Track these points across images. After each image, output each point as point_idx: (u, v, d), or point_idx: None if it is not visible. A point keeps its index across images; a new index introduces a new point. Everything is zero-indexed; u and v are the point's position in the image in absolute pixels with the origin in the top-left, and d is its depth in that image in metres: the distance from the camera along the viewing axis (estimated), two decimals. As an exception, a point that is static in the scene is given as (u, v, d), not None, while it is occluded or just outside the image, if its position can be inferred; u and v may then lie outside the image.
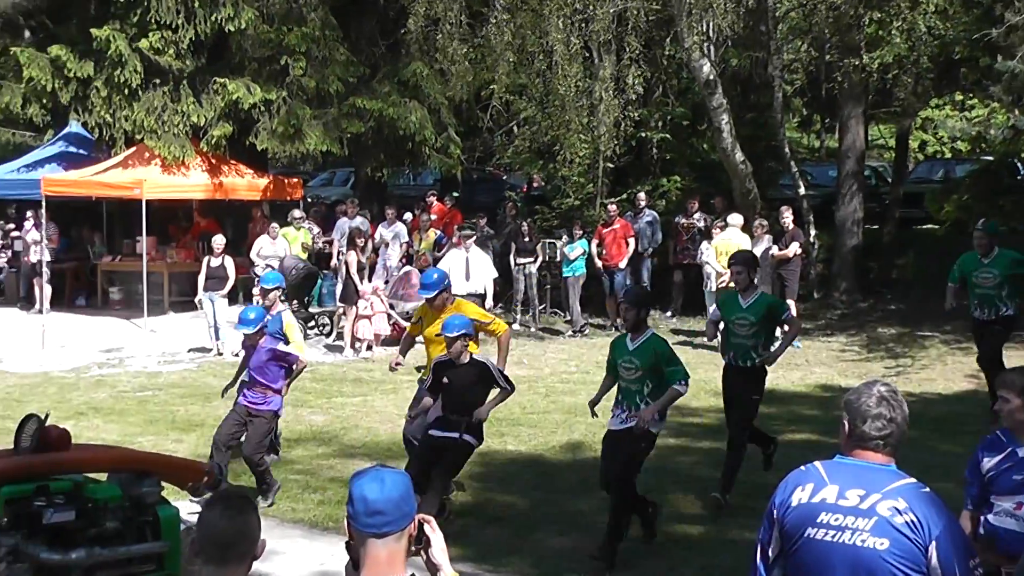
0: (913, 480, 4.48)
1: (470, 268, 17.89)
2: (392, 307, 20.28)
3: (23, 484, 7.52)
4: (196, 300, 20.78)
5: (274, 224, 22.57)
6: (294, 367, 11.68)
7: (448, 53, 23.85)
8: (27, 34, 27.02)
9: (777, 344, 11.44)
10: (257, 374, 11.49)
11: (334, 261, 22.64)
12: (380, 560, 3.71)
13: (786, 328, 11.66)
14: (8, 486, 7.42)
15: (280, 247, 22.00)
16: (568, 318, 22.26)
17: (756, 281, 11.33)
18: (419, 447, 10.52)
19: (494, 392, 10.46)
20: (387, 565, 3.71)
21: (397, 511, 3.72)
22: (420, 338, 11.75)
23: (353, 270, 20.43)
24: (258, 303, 13.28)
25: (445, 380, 10.34)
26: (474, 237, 18.56)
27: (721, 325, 11.39)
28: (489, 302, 18.53)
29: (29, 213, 24.98)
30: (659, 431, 10.04)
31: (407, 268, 21.10)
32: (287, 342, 11.76)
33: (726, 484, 10.89)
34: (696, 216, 22.70)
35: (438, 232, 22.83)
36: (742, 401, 11.12)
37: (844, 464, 4.58)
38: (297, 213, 23.20)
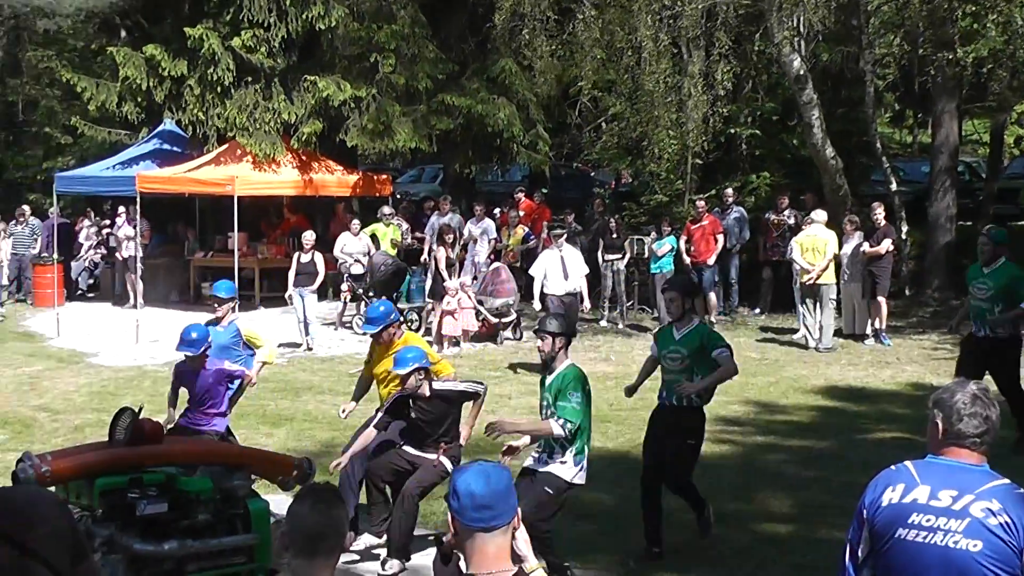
0: (1007, 481, 4.41)
1: (567, 267, 17.74)
2: (481, 303, 20.33)
3: (117, 476, 7.64)
4: (286, 296, 20.98)
5: (355, 220, 22.72)
6: (244, 383, 11.45)
7: (536, 49, 23.86)
8: (123, 34, 27.48)
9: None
10: (204, 398, 10.91)
11: (423, 257, 22.75)
12: (488, 554, 3.74)
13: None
14: (103, 478, 7.54)
15: (363, 243, 22.15)
16: (655, 315, 22.16)
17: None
18: (384, 459, 9.60)
19: (468, 407, 9.73)
20: (495, 559, 3.74)
21: (503, 504, 3.75)
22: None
23: (442, 266, 20.52)
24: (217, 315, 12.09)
25: (413, 415, 9.46)
26: (564, 235, 18.44)
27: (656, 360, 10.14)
28: (587, 303, 18.37)
29: (121, 209, 25.38)
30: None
31: (496, 264, 21.15)
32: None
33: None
34: (786, 212, 22.49)
35: (526, 228, 22.85)
36: (675, 448, 9.58)
37: (936, 464, 4.51)
38: (387, 209, 23.34)
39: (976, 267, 12.47)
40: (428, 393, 9.34)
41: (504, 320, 20.52)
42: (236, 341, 11.80)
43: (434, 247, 21.36)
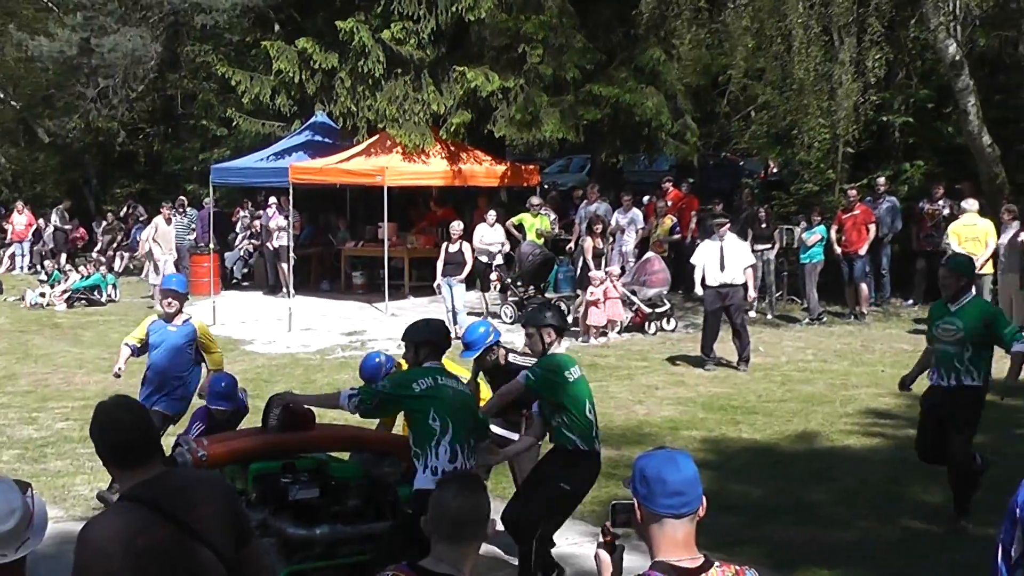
0: None
1: (724, 258, 17.51)
2: (634, 292, 20.24)
3: (270, 461, 7.83)
4: (435, 285, 21.19)
5: (492, 211, 22.81)
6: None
7: (684, 38, 23.68)
8: (276, 28, 28.00)
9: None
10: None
11: (569, 246, 22.76)
12: (677, 541, 3.75)
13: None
14: (256, 463, 7.73)
15: (499, 233, 22.26)
16: (805, 305, 21.87)
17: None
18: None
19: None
20: (684, 546, 3.75)
21: (693, 491, 3.76)
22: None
23: (589, 256, 20.52)
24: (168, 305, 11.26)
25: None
26: (727, 225, 18.12)
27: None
28: (752, 292, 18.13)
29: (272, 200, 25.87)
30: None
31: (649, 254, 21.02)
32: (208, 351, 11.20)
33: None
34: (940, 202, 22.00)
35: (674, 219, 22.72)
36: (956, 424, 9.73)
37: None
38: (535, 200, 23.40)
39: (940, 304, 10.13)
40: (503, 361, 9.51)
41: (657, 310, 20.42)
42: (190, 343, 11.08)
43: (582, 237, 21.36)
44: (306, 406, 8.34)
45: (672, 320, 20.68)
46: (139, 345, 11.17)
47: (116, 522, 4.29)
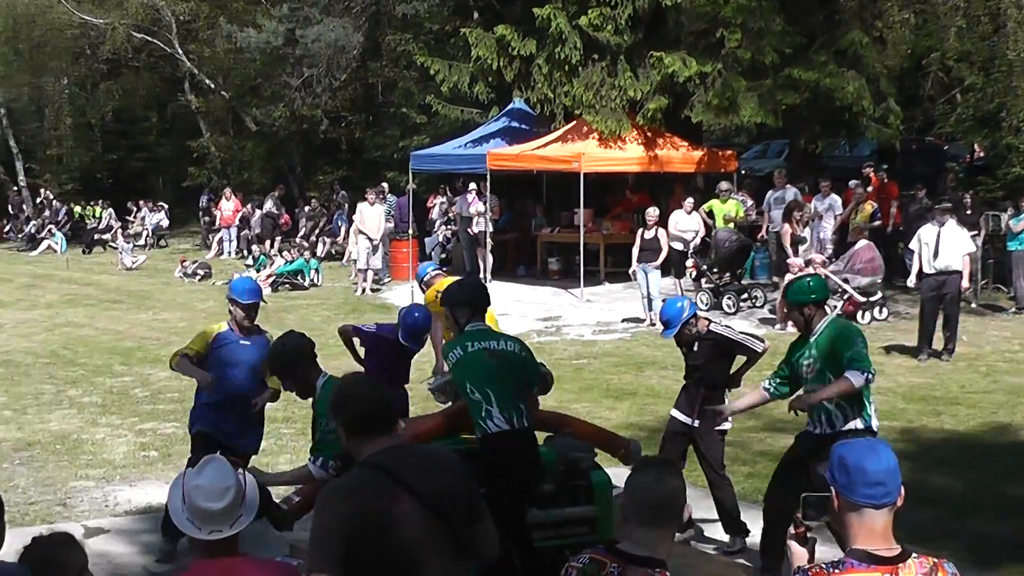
0: None
1: (940, 244, 16.92)
2: (847, 281, 19.81)
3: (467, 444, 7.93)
4: (630, 271, 21.19)
5: (689, 198, 22.65)
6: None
7: (887, 20, 23.16)
8: (475, 15, 28.30)
9: None
10: None
11: (761, 233, 22.49)
12: (876, 531, 3.73)
13: None
14: (452, 446, 7.85)
15: (695, 220, 22.10)
16: (1012, 294, 21.20)
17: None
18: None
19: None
20: (882, 536, 3.73)
21: (893, 482, 3.74)
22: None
23: (786, 242, 20.25)
24: None
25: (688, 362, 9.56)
26: (947, 209, 17.52)
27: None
28: (964, 282, 17.55)
29: (472, 186, 26.19)
30: None
31: (863, 242, 20.45)
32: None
33: None
34: None
35: (874, 205, 22.24)
36: None
37: None
38: (724, 185, 23.18)
39: (798, 338, 8.64)
40: (704, 329, 9.31)
41: (870, 299, 19.94)
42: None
43: (771, 223, 21.07)
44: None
45: (884, 309, 20.18)
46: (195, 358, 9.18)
47: (354, 485, 4.50)
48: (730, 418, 9.43)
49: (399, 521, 4.39)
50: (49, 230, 39.77)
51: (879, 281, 20.08)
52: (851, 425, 8.12)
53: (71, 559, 4.84)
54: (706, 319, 9.59)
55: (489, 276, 23.98)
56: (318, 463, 6.99)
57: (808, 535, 3.95)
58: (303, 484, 7.18)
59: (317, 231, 32.29)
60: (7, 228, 43.85)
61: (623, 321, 20.88)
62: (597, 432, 8.85)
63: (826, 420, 8.26)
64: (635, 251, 20.62)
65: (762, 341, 9.66)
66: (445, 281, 12.27)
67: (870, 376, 8.01)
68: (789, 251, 20.06)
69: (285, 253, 28.68)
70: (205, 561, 4.15)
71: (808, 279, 8.75)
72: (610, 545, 4.12)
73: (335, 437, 6.47)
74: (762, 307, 21.06)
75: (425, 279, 13.15)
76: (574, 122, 24.43)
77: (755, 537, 9.11)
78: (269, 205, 33.47)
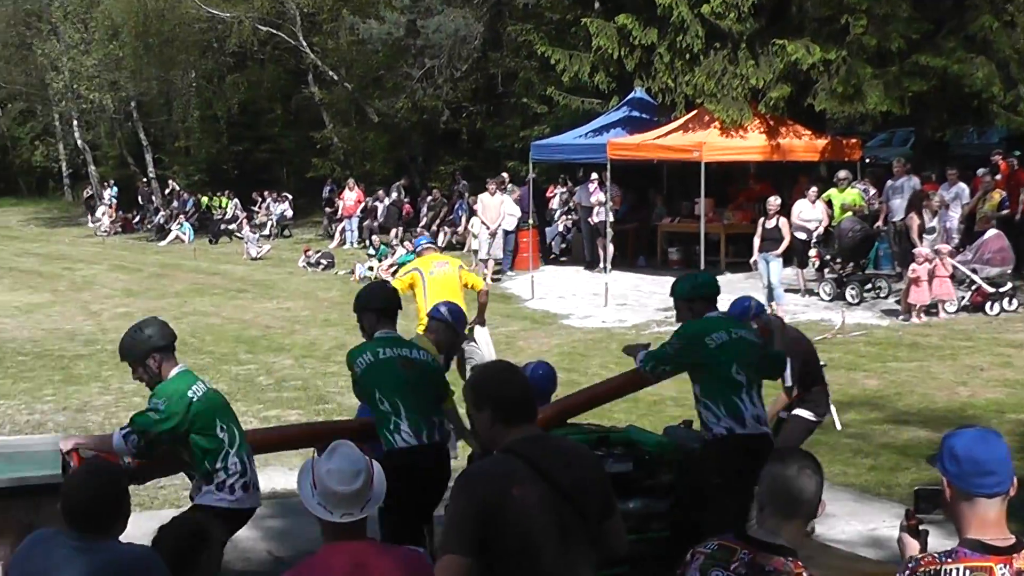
0: None
1: None
2: (975, 271, 19.40)
3: (583, 434, 7.95)
4: (751, 261, 21.00)
5: (813, 188, 22.33)
6: None
7: (1020, 3, 22.61)
8: (596, 5, 28.23)
9: None
10: None
11: (878, 223, 22.11)
12: (988, 520, 3.70)
13: None
14: (572, 436, 7.86)
15: (819, 210, 21.78)
16: None
17: None
18: None
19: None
20: (995, 525, 3.71)
21: (1005, 470, 3.72)
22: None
23: (915, 233, 19.88)
24: None
25: None
26: None
27: None
28: None
29: (594, 176, 26.15)
30: None
31: (993, 231, 20.02)
32: None
33: None
34: None
35: (1003, 193, 21.73)
36: None
37: None
38: (842, 174, 22.78)
39: None
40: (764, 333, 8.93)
41: (999, 290, 19.46)
42: None
43: (892, 212, 20.69)
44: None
45: (1014, 300, 19.67)
46: None
47: (495, 470, 4.56)
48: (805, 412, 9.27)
49: (537, 508, 4.44)
50: (177, 220, 40.60)
51: (1009, 271, 19.62)
52: (715, 431, 7.54)
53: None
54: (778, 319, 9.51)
55: (609, 266, 23.94)
56: (123, 433, 6.82)
57: (920, 527, 3.94)
58: (102, 451, 6.91)
59: (438, 221, 32.50)
60: (136, 219, 44.86)
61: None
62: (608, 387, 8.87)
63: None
64: (756, 241, 20.43)
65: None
66: (433, 256, 12.91)
67: (644, 368, 7.91)
68: (916, 241, 19.69)
69: (407, 243, 28.91)
70: (335, 544, 4.23)
71: (689, 278, 8.61)
72: (739, 532, 4.11)
73: (155, 417, 6.72)
74: (886, 298, 20.69)
75: (418, 249, 13.69)
76: (695, 111, 24.27)
77: (873, 530, 8.99)
78: (395, 195, 33.80)
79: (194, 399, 6.85)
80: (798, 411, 9.35)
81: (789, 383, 9.19)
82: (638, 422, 10.73)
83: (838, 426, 12.02)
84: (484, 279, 24.83)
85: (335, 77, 40.92)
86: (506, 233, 26.27)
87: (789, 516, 4.09)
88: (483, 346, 12.80)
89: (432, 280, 12.49)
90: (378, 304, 7.97)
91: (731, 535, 4.11)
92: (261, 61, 45.82)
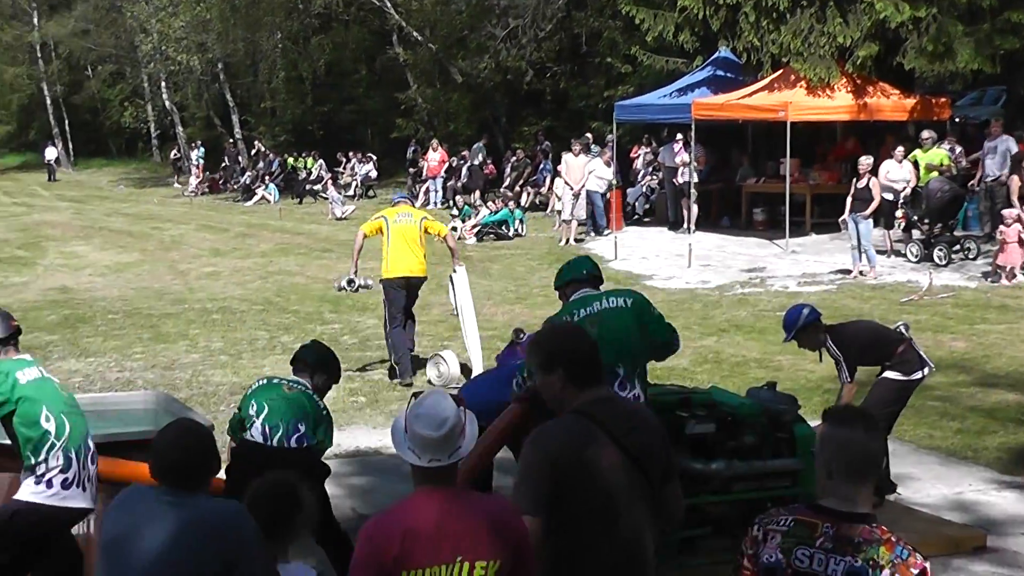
0: None
1: None
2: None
3: (669, 395, 7.94)
4: (840, 221, 20.78)
5: (899, 147, 21.97)
6: None
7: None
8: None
9: None
10: None
11: (972, 182, 21.75)
12: None
13: None
14: (654, 396, 7.85)
15: (906, 170, 21.45)
16: None
17: None
18: None
19: None
20: None
21: None
22: None
23: (1014, 195, 19.54)
24: None
25: None
26: None
27: None
28: None
29: (679, 136, 26.00)
30: None
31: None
32: None
33: None
34: None
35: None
36: None
37: None
38: (926, 134, 22.39)
39: None
40: (824, 339, 9.07)
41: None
42: None
43: (987, 173, 20.32)
44: None
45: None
46: None
47: (565, 431, 4.60)
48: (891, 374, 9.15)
49: (605, 468, 4.50)
50: (263, 181, 40.99)
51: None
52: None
53: (297, 506, 5.04)
54: (825, 332, 9.21)
55: (693, 227, 23.81)
56: None
57: None
58: None
59: (521, 181, 32.50)
60: (222, 180, 45.35)
61: (830, 273, 20.50)
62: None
63: None
64: (848, 201, 20.15)
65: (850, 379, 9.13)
66: (402, 208, 14.20)
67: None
68: (1016, 203, 19.32)
69: (490, 203, 28.94)
70: (425, 488, 4.29)
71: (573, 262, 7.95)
72: (812, 504, 4.05)
73: None
74: (975, 259, 20.37)
75: (394, 201, 14.84)
76: (781, 70, 23.99)
77: (959, 493, 8.90)
78: (480, 156, 33.83)
79: (21, 381, 6.64)
80: (885, 374, 9.24)
81: (847, 380, 9.04)
82: (721, 383, 10.69)
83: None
84: (566, 241, 24.93)
85: (419, 38, 40.95)
86: (593, 194, 26.16)
87: (862, 480, 4.01)
88: (459, 290, 13.73)
89: (395, 228, 13.76)
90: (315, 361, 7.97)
91: (804, 507, 4.06)
92: (346, 22, 45.96)
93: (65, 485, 6.58)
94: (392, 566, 4.14)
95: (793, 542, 3.95)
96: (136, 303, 19.49)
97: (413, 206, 15.33)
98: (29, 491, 6.59)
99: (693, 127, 23.80)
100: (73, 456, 6.60)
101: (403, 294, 13.67)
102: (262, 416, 7.29)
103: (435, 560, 4.15)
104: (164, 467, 4.58)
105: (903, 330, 9.38)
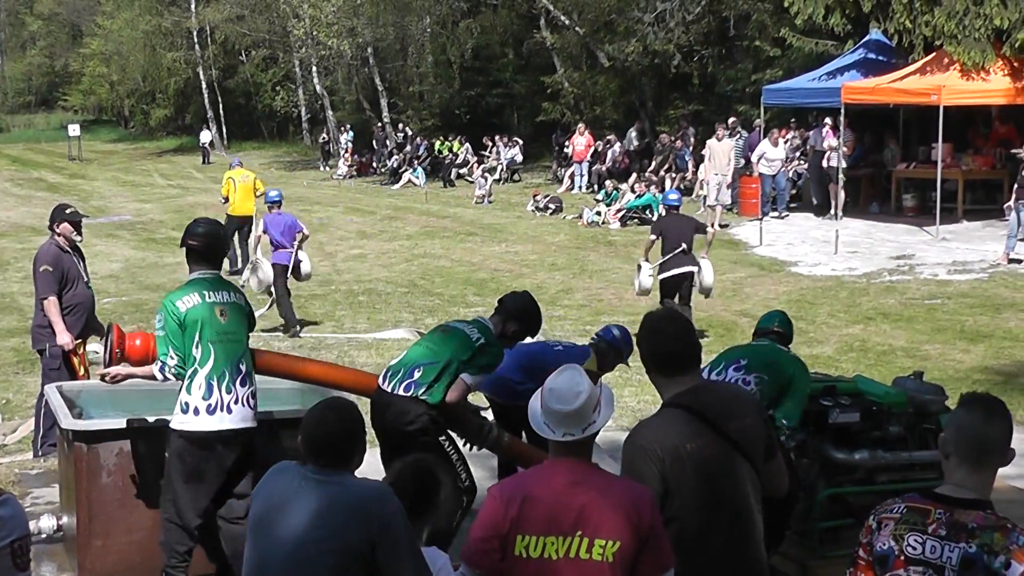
0: None
1: None
2: None
3: (813, 383, 7.87)
4: (1004, 206, 20.31)
5: None
6: None
7: None
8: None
9: None
10: None
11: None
12: None
13: None
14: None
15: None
16: None
17: None
18: None
19: None
20: None
21: None
22: None
23: None
24: None
25: None
26: None
27: None
28: None
29: (828, 121, 25.63)
30: None
31: None
32: None
33: None
34: None
35: None
36: None
37: None
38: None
39: None
40: None
41: None
42: None
43: None
44: None
45: None
46: None
47: (664, 427, 4.63)
48: None
49: (712, 460, 4.51)
50: (410, 164, 41.42)
51: None
52: None
53: (438, 485, 5.12)
54: None
55: (840, 213, 23.46)
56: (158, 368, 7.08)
57: None
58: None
59: (666, 166, 32.33)
60: (370, 163, 45.93)
61: (982, 261, 20.04)
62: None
63: None
64: (1016, 187, 19.58)
65: None
66: (240, 171, 22.06)
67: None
68: None
69: (636, 186, 28.87)
70: (556, 460, 4.34)
71: None
72: (926, 490, 4.01)
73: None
74: None
75: (233, 165, 22.49)
76: (934, 53, 23.45)
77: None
78: (636, 140, 33.59)
79: (181, 309, 7.03)
80: None
81: None
82: (866, 372, 10.55)
83: None
84: (712, 226, 24.76)
85: (567, 21, 40.92)
86: (765, 178, 25.84)
87: (978, 466, 3.95)
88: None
89: (240, 185, 21.42)
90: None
91: (917, 495, 4.01)
92: (494, 6, 46.14)
93: (210, 411, 6.96)
94: (508, 528, 4.22)
95: (905, 529, 3.92)
96: (285, 284, 19.88)
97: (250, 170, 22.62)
98: (174, 417, 7.05)
99: (843, 111, 23.42)
100: (215, 383, 6.97)
101: None
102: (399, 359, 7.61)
103: (553, 530, 4.20)
104: (312, 446, 4.68)
105: None
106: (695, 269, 14.70)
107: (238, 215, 21.18)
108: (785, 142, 26.94)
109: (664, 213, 17.25)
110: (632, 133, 34.23)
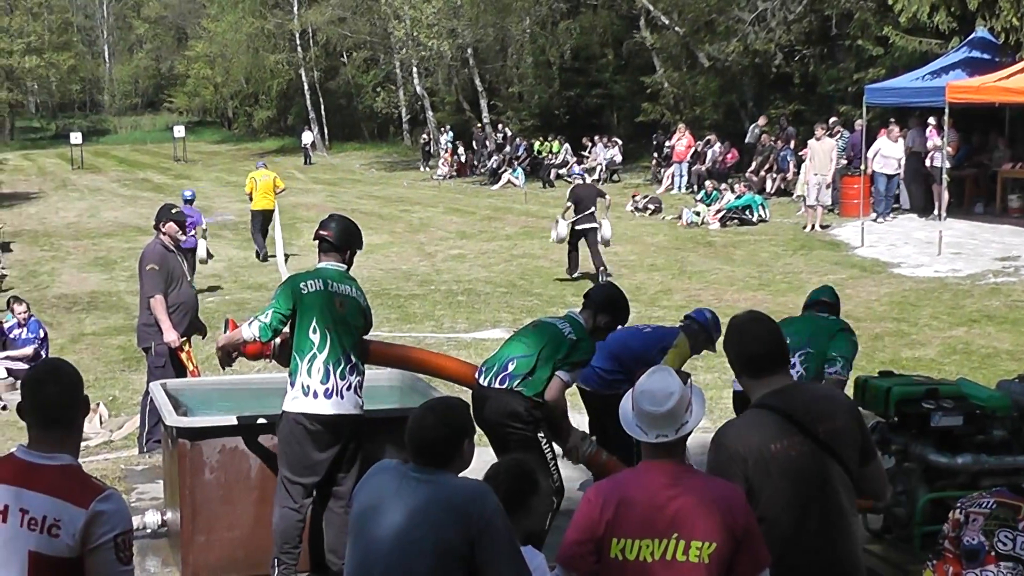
0: None
1: None
2: None
3: (915, 386, 7.80)
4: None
5: None
6: None
7: None
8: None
9: None
10: None
11: None
12: None
13: None
14: (899, 387, 7.75)
15: None
16: None
17: None
18: None
19: None
20: None
21: None
22: None
23: None
24: None
25: None
26: None
27: None
28: None
29: (931, 120, 25.29)
30: None
31: None
32: None
33: None
34: None
35: None
36: None
37: None
38: None
39: None
40: None
41: None
42: None
43: None
44: None
45: None
46: None
47: (749, 428, 4.64)
48: None
49: (798, 461, 4.50)
50: (509, 165, 41.54)
51: None
52: None
53: (534, 487, 5.16)
54: None
55: (944, 213, 23.13)
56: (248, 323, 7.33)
57: None
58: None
59: (767, 167, 32.10)
60: (470, 163, 46.15)
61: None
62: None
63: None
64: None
65: None
66: (263, 172, 24.85)
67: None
68: None
69: (737, 187, 28.70)
70: (650, 462, 4.37)
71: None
72: (1015, 486, 3.98)
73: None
74: None
75: (258, 166, 24.92)
76: (1041, 52, 23.08)
77: None
78: (762, 137, 33.36)
79: (303, 292, 7.29)
80: None
81: None
82: (970, 375, 10.41)
83: None
84: (811, 227, 24.51)
85: (666, 21, 40.80)
86: (878, 176, 25.57)
87: None
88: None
89: (261, 184, 24.83)
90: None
91: (1007, 490, 3.98)
92: (594, 7, 46.13)
93: (327, 395, 7.19)
94: (604, 531, 4.24)
95: (996, 524, 3.89)
96: (384, 284, 20.10)
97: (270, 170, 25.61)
98: (291, 399, 7.25)
99: (947, 110, 23.09)
100: (331, 368, 7.20)
101: None
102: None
103: (649, 533, 4.21)
104: (415, 443, 4.72)
105: None
106: (596, 225, 19.71)
107: (259, 209, 24.73)
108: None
109: (576, 183, 22.57)
110: (756, 130, 33.81)
